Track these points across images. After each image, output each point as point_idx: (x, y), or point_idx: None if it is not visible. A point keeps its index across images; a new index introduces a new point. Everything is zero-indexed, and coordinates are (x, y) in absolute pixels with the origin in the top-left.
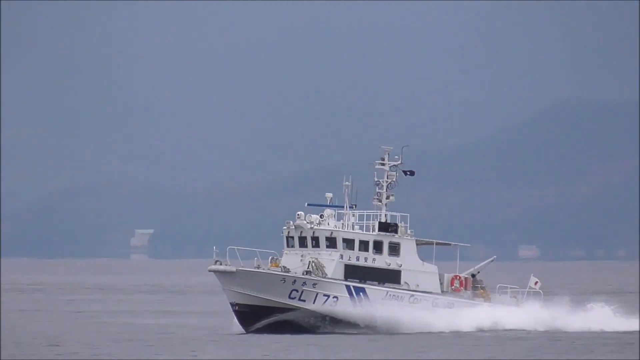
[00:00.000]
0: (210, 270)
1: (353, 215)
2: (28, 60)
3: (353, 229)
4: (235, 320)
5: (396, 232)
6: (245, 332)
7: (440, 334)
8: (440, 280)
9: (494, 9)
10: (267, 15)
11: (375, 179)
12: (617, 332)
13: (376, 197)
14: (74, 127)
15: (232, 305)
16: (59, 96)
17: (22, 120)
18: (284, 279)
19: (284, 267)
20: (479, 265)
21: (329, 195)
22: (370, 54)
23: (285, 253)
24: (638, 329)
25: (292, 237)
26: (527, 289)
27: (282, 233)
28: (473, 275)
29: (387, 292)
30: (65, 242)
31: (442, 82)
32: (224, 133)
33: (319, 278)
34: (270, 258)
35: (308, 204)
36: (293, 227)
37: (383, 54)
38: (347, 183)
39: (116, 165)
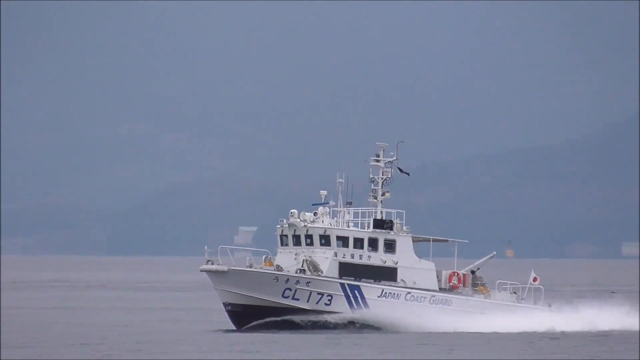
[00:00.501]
0: (201, 270)
1: (348, 212)
2: (150, 60)
3: (348, 227)
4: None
5: (391, 229)
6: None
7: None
8: (438, 277)
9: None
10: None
11: (371, 176)
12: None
13: (371, 194)
14: (179, 125)
15: (225, 305)
16: (164, 93)
17: (131, 119)
18: (276, 278)
19: (278, 266)
20: (478, 262)
21: (324, 192)
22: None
23: (279, 252)
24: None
25: (286, 236)
26: (527, 285)
27: (276, 232)
28: (473, 272)
29: (383, 290)
30: (169, 240)
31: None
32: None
33: (313, 276)
34: (264, 257)
35: (313, 204)
36: (286, 225)
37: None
38: (340, 180)
39: (220, 163)
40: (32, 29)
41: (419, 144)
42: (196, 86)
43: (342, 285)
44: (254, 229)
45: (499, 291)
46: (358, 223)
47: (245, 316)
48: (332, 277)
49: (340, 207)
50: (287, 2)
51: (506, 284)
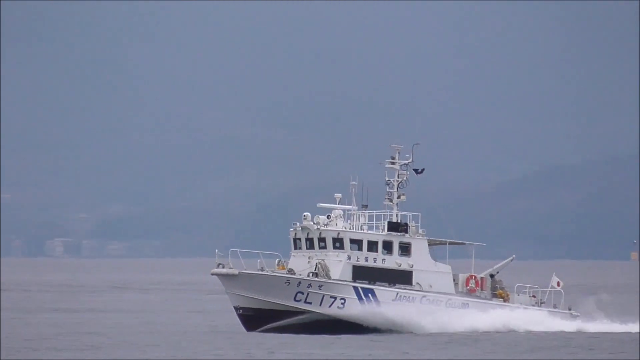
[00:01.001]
0: (212, 274)
1: (363, 215)
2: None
3: (362, 229)
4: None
5: (406, 231)
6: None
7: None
8: (455, 280)
9: None
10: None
11: (386, 179)
12: None
13: (387, 196)
14: (307, 128)
15: (236, 309)
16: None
17: (261, 122)
18: (288, 281)
19: (290, 269)
20: (498, 265)
21: (338, 195)
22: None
23: (293, 255)
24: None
25: (299, 239)
26: (548, 289)
27: (289, 235)
28: (492, 275)
29: (398, 293)
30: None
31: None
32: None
33: (325, 280)
34: (277, 260)
35: (319, 205)
36: (299, 228)
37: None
38: (354, 182)
39: (345, 165)
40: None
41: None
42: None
43: (356, 288)
44: None
45: (518, 295)
46: (373, 226)
47: (257, 320)
48: (345, 280)
49: (354, 209)
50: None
51: (525, 287)
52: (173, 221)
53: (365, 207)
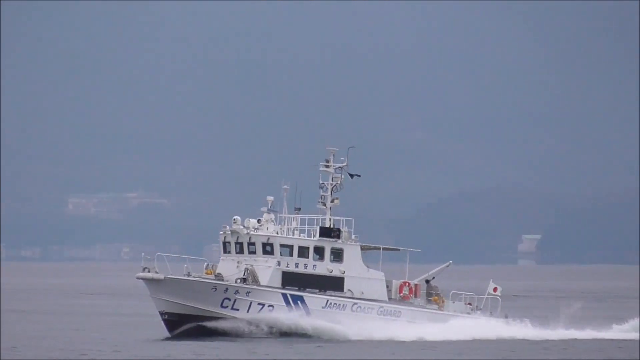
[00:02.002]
0: (137, 278)
1: (294, 219)
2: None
3: (293, 234)
4: None
5: (339, 237)
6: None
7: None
8: (388, 287)
9: None
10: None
11: (320, 182)
12: None
13: (320, 200)
14: (456, 131)
15: (161, 314)
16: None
17: (410, 126)
18: (215, 287)
19: (219, 274)
20: (433, 271)
21: (270, 198)
22: None
23: (222, 259)
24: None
25: (229, 243)
26: (485, 295)
27: (219, 238)
28: (427, 281)
29: (328, 300)
30: (450, 248)
31: None
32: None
33: (253, 286)
34: (205, 265)
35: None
36: (229, 232)
37: None
38: (285, 186)
39: (503, 171)
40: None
41: None
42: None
43: (284, 295)
44: (538, 236)
45: (453, 302)
46: (305, 231)
47: (182, 326)
48: (274, 287)
49: (285, 214)
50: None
51: (460, 294)
52: None
53: (298, 210)
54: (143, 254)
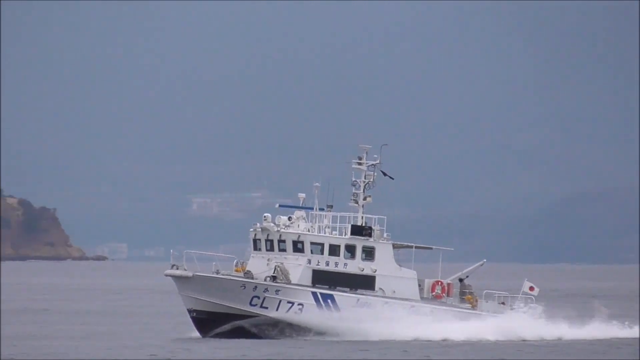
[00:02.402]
0: (166, 275)
1: (326, 217)
2: None
3: (325, 232)
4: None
5: (370, 235)
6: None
7: None
8: (420, 285)
9: None
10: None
11: (353, 179)
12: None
13: (352, 198)
14: (577, 132)
15: (189, 311)
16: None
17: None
18: (244, 285)
19: (248, 271)
20: (467, 269)
21: (302, 195)
22: None
23: (252, 257)
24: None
25: (259, 240)
26: (520, 295)
27: (249, 235)
28: (461, 280)
29: (358, 299)
30: (571, 248)
31: None
32: None
33: (283, 284)
34: (235, 262)
35: (279, 206)
36: (259, 229)
37: None
38: (317, 184)
39: (624, 171)
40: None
41: None
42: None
43: (314, 293)
44: None
45: (486, 301)
46: (337, 228)
47: (211, 324)
48: (304, 285)
49: (316, 211)
50: None
51: (494, 293)
52: (452, 227)
53: (330, 207)
54: (172, 251)
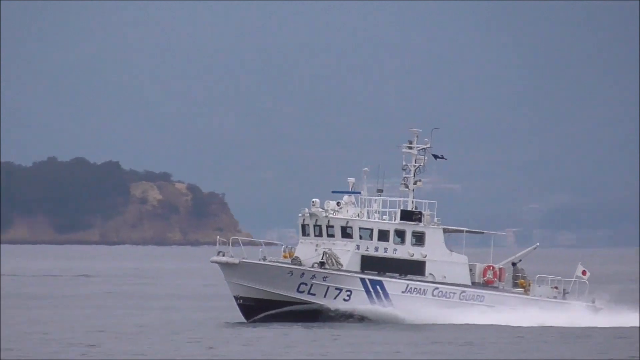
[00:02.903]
0: (212, 262)
1: (375, 202)
2: None
3: (374, 217)
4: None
5: (420, 220)
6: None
7: None
8: (472, 270)
9: None
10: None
11: (403, 163)
12: None
13: (403, 182)
14: None
15: (236, 298)
16: None
17: None
18: (291, 272)
19: (297, 257)
20: (520, 253)
21: (351, 180)
22: None
23: (300, 242)
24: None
25: (307, 225)
26: (572, 279)
27: (298, 221)
28: (514, 264)
29: (408, 285)
30: None
31: None
32: None
33: (330, 270)
34: (283, 247)
35: (333, 192)
36: (308, 214)
37: None
38: (365, 169)
39: None
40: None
41: None
42: None
43: (363, 280)
44: None
45: (539, 286)
46: (387, 213)
47: (258, 310)
48: (352, 272)
49: (365, 196)
50: None
51: (547, 277)
52: (620, 211)
53: (380, 192)
54: (218, 237)
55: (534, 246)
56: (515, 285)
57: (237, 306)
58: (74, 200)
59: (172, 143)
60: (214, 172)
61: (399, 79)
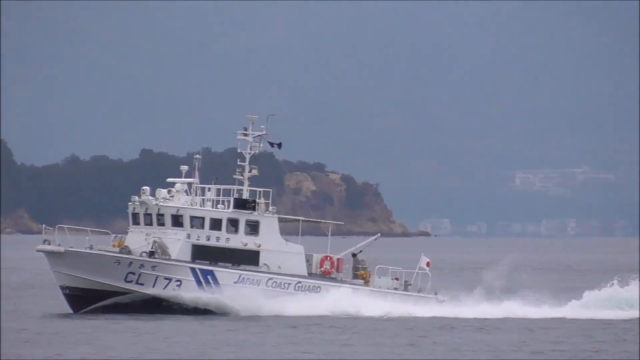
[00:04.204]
0: (37, 251)
1: (209, 190)
2: None
3: (207, 206)
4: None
5: (254, 209)
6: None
7: None
8: (309, 261)
9: None
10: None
11: (238, 151)
12: None
13: (238, 170)
14: None
15: (62, 288)
16: None
17: None
18: (118, 261)
19: (126, 247)
20: (360, 244)
21: (184, 168)
22: None
23: (130, 231)
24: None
25: (138, 214)
26: (416, 270)
27: (128, 209)
28: (354, 255)
29: (240, 275)
30: None
31: None
32: None
33: (159, 260)
34: (113, 237)
35: (167, 180)
36: (138, 203)
37: None
38: (197, 156)
39: None
40: None
41: None
42: None
43: (193, 269)
44: None
45: (379, 277)
46: (220, 202)
47: (85, 301)
48: (182, 261)
49: (198, 184)
50: None
51: (387, 269)
52: None
53: (216, 179)
54: (44, 225)
55: (375, 237)
56: (355, 276)
57: (63, 296)
58: None
59: (326, 133)
60: (368, 162)
61: None
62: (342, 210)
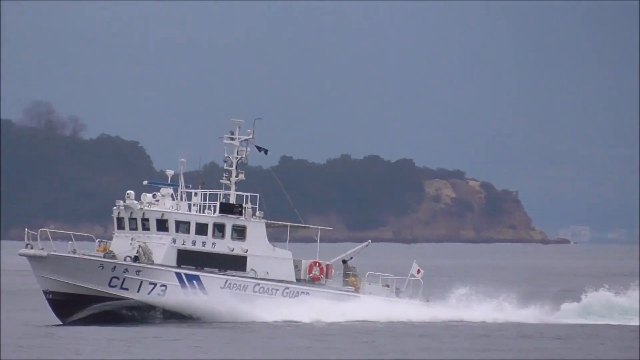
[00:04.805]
0: (20, 255)
1: (195, 194)
2: None
3: (193, 210)
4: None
5: (241, 213)
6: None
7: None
8: (297, 266)
9: None
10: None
11: (225, 155)
12: None
13: (225, 175)
14: None
15: (45, 293)
16: None
17: None
18: (102, 265)
19: (110, 251)
20: (351, 250)
21: (170, 172)
22: None
23: (115, 236)
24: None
25: (123, 219)
26: (407, 277)
27: (112, 214)
28: (344, 261)
29: (227, 281)
30: None
31: None
32: None
33: (144, 264)
34: (98, 241)
35: (149, 183)
36: (123, 207)
37: None
38: (182, 159)
39: None
40: None
41: None
42: None
43: (178, 274)
44: None
45: (369, 284)
46: (207, 207)
47: (69, 306)
48: (167, 266)
49: (183, 189)
50: None
51: (378, 275)
52: None
53: (202, 184)
54: (27, 229)
55: (366, 243)
56: (346, 282)
57: (46, 301)
58: (367, 197)
59: (464, 141)
60: (508, 169)
61: None
62: (481, 218)
